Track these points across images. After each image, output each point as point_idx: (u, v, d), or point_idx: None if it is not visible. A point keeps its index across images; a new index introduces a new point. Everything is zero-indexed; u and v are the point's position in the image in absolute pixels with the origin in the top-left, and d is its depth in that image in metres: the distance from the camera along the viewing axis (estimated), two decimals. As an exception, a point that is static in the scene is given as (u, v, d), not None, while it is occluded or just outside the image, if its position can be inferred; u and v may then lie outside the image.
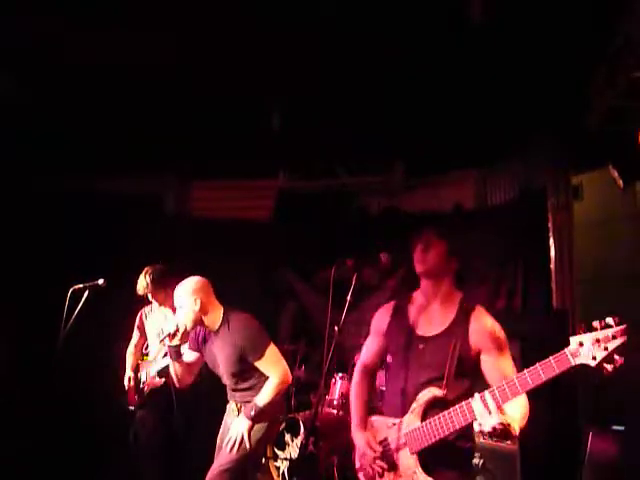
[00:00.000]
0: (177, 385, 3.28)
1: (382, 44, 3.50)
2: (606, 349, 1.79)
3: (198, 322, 3.14)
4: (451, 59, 3.65)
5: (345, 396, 4.56)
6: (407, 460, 2.20)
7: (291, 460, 4.43)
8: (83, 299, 3.44)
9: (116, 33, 3.27)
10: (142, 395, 4.02)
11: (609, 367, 1.80)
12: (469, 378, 2.24)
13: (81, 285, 3.49)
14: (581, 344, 1.84)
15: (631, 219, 4.04)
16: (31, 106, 4.09)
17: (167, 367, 3.48)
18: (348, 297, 2.40)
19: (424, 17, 3.24)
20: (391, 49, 3.55)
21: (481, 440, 3.81)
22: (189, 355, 3.27)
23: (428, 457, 2.17)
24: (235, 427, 3.11)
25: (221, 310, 3.19)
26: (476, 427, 2.06)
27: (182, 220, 6.01)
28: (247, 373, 3.13)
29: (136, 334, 4.23)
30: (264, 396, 3.07)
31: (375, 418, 2.43)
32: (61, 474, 4.39)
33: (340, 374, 4.74)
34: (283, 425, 4.53)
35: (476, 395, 2.04)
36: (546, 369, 1.94)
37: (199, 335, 3.24)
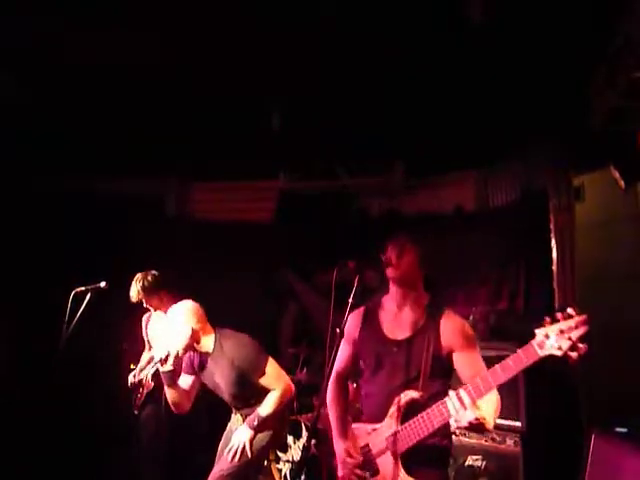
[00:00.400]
0: (174, 411, 3.19)
1: (382, 44, 3.49)
2: (570, 339, 1.89)
3: (190, 348, 3.09)
4: (451, 59, 3.64)
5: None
6: (389, 464, 2.22)
7: (293, 462, 4.42)
8: (85, 301, 3.44)
9: (116, 33, 3.26)
10: (142, 398, 4.03)
11: (574, 355, 1.90)
12: (443, 378, 2.31)
13: (83, 288, 3.49)
14: (547, 336, 1.94)
15: (632, 220, 4.03)
16: (31, 106, 4.08)
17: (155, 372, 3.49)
18: (350, 299, 2.39)
19: (424, 18, 3.24)
20: (391, 49, 3.54)
21: (483, 441, 3.81)
22: (185, 379, 3.20)
23: (408, 458, 2.20)
24: (237, 436, 3.10)
25: (213, 334, 3.14)
26: (452, 423, 2.12)
27: (183, 221, 6.01)
28: (249, 392, 3.12)
29: (145, 340, 4.27)
30: (267, 407, 3.07)
31: (355, 426, 2.46)
32: (61, 474, 4.38)
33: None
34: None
35: (451, 393, 2.09)
36: (516, 362, 2.01)
37: (194, 359, 3.18)
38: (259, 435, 3.11)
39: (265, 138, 4.63)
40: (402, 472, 2.18)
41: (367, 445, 2.33)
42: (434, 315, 2.35)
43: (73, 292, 3.45)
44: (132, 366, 4.28)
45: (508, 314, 4.80)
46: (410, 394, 2.23)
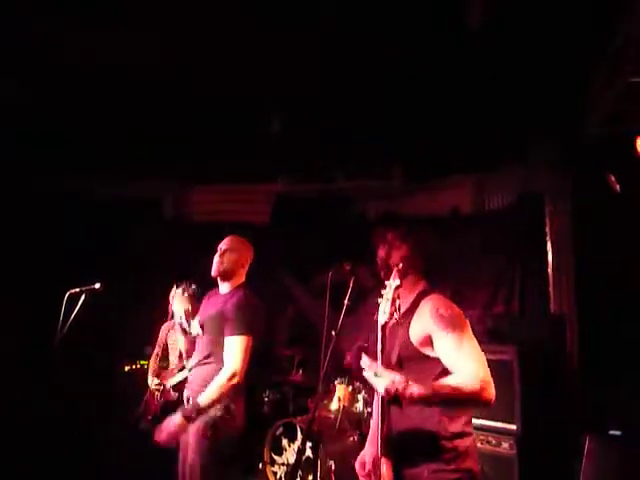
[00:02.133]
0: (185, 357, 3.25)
1: (381, 46, 3.50)
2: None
3: (233, 272, 3.14)
4: (449, 63, 3.65)
5: (343, 401, 4.54)
6: (383, 463, 2.15)
7: (288, 465, 4.41)
8: (80, 303, 3.44)
9: (116, 33, 3.27)
10: (158, 406, 4.05)
11: None
12: (422, 364, 2.14)
13: (77, 289, 3.49)
14: None
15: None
16: (31, 106, 4.08)
17: (181, 381, 3.46)
18: (346, 301, 2.39)
19: (423, 21, 3.25)
20: (390, 51, 3.55)
21: (478, 445, 3.81)
22: (195, 327, 3.25)
23: (398, 454, 2.12)
24: (171, 421, 2.91)
25: (241, 282, 3.19)
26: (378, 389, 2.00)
27: (180, 223, 6.01)
28: (214, 335, 3.04)
29: (158, 347, 4.30)
30: (208, 395, 2.89)
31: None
32: (61, 475, 4.38)
33: (338, 379, 4.72)
34: (280, 430, 4.52)
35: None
36: None
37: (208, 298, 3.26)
38: (207, 421, 2.92)
39: (263, 140, 4.63)
40: (383, 467, 2.09)
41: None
42: (418, 300, 2.26)
43: (67, 293, 3.45)
44: (126, 368, 4.29)
45: (504, 317, 4.80)
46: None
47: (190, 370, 3.23)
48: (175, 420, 2.87)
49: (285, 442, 4.50)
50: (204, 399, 2.88)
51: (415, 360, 2.15)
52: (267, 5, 3.03)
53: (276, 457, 4.50)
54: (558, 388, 3.93)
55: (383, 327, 2.12)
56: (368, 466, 2.25)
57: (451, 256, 4.93)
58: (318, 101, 4.19)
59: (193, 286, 4.18)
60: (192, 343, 3.43)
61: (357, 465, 2.34)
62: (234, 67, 3.71)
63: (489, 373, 2.05)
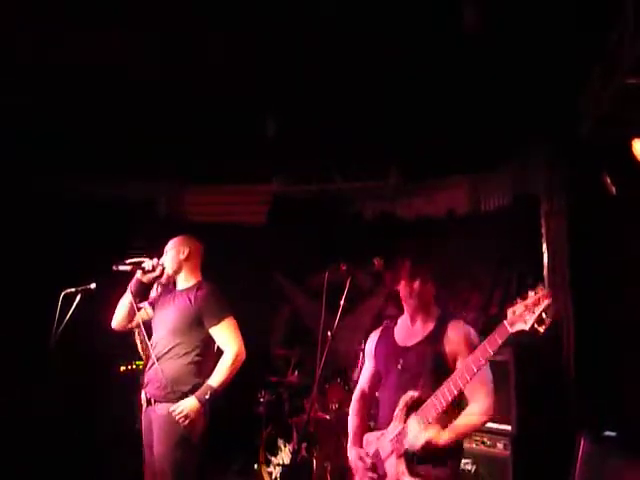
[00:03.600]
0: (112, 324, 3.31)
1: (379, 48, 3.51)
2: (534, 312, 1.98)
3: (178, 272, 3.22)
4: (446, 65, 3.66)
5: (339, 401, 4.55)
6: (394, 465, 2.27)
7: (283, 466, 4.41)
8: (75, 303, 3.43)
9: (116, 33, 3.26)
10: None
11: (541, 329, 1.97)
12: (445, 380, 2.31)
13: (73, 289, 3.48)
14: (514, 312, 2.05)
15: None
16: (31, 106, 4.07)
17: None
18: (342, 302, 2.40)
19: (421, 23, 3.25)
20: (388, 53, 3.56)
21: (473, 445, 3.82)
22: (145, 309, 3.32)
23: (412, 458, 2.24)
24: (183, 404, 2.92)
25: (198, 278, 3.25)
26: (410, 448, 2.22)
27: (175, 224, 5.99)
28: (193, 339, 3.05)
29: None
30: (219, 375, 2.97)
31: (367, 434, 2.54)
32: (61, 475, 4.37)
33: (334, 379, 4.73)
34: (276, 430, 4.52)
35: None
36: (491, 342, 2.14)
37: (162, 296, 3.29)
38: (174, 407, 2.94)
39: (260, 141, 4.63)
40: (405, 472, 2.23)
41: (377, 450, 2.40)
42: (443, 323, 2.45)
43: (63, 293, 3.45)
44: (122, 369, 4.26)
45: (499, 319, 4.81)
46: (410, 393, 2.30)
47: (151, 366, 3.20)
48: (190, 403, 2.91)
49: (280, 442, 4.51)
50: (216, 380, 2.96)
51: (447, 372, 2.30)
52: (267, 5, 3.03)
53: (271, 457, 4.50)
54: (553, 389, 3.94)
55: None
56: (369, 461, 2.38)
57: (447, 258, 4.94)
58: (315, 102, 4.20)
59: None
60: None
61: (355, 456, 2.43)
62: (231, 67, 3.71)
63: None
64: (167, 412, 2.94)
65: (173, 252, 3.26)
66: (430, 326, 2.47)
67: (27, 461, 4.26)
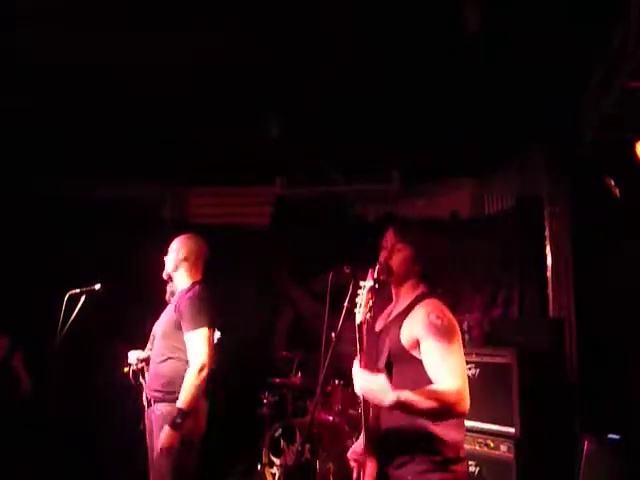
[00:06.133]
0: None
1: (381, 52, 3.52)
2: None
3: (175, 270, 3.23)
4: (448, 68, 3.67)
5: (342, 403, 4.55)
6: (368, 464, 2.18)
7: (287, 467, 4.42)
8: (80, 304, 3.45)
9: (117, 34, 3.28)
10: None
11: None
12: (413, 368, 2.12)
13: (78, 290, 3.50)
14: None
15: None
16: (31, 107, 4.08)
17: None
18: (346, 303, 2.40)
19: (422, 27, 3.26)
20: (389, 57, 3.57)
21: (476, 447, 3.82)
22: None
23: (381, 454, 2.14)
24: (161, 437, 2.90)
25: (195, 279, 3.23)
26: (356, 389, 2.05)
27: (179, 226, 6.00)
28: (176, 341, 3.05)
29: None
30: (184, 394, 2.90)
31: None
32: (61, 475, 4.38)
33: (337, 381, 4.73)
34: (279, 432, 4.52)
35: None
36: None
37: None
38: (173, 409, 2.91)
39: (263, 143, 4.64)
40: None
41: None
42: (414, 304, 2.21)
43: (68, 294, 3.46)
44: (125, 369, 4.25)
45: (503, 321, 4.81)
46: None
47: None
48: (163, 434, 2.88)
49: (284, 444, 4.51)
50: (183, 401, 2.90)
51: (406, 361, 2.14)
52: (267, 6, 3.04)
53: (275, 459, 4.51)
54: (557, 391, 3.94)
55: (359, 327, 2.12)
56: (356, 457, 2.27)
57: (450, 259, 4.94)
58: (318, 104, 4.21)
59: None
60: None
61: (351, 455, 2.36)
62: (233, 70, 3.72)
63: (467, 387, 2.04)
64: (166, 412, 2.96)
65: (173, 251, 3.28)
66: (402, 307, 2.24)
67: (27, 461, 4.27)
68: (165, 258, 3.32)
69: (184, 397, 2.90)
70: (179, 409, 2.88)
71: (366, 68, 3.69)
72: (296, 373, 5.09)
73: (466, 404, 2.02)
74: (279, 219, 6.09)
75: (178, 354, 3.06)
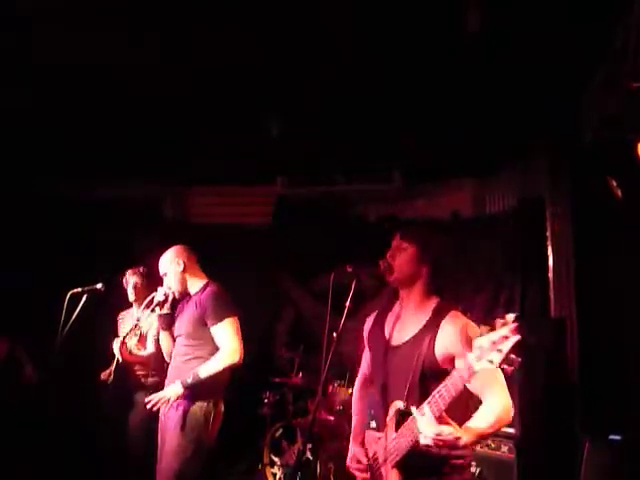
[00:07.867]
0: (167, 359, 3.30)
1: (381, 51, 3.51)
2: (500, 351, 1.70)
3: (185, 285, 3.22)
4: (449, 68, 3.66)
5: (343, 403, 4.55)
6: (389, 473, 2.15)
7: (288, 467, 4.42)
8: (81, 303, 3.45)
9: (116, 33, 3.27)
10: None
11: (508, 369, 1.73)
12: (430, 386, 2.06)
13: (79, 289, 3.50)
14: (481, 347, 1.75)
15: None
16: (31, 107, 4.08)
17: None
18: (347, 303, 2.39)
19: (422, 26, 3.26)
20: (390, 56, 3.57)
21: (477, 448, 3.81)
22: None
23: (409, 468, 2.09)
24: (166, 390, 3.01)
25: (204, 279, 3.27)
26: (422, 440, 1.91)
27: (180, 226, 6.01)
28: (198, 335, 3.09)
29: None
30: (208, 367, 2.98)
31: (367, 433, 2.42)
32: (61, 475, 4.38)
33: (339, 381, 4.73)
34: (280, 432, 4.52)
35: (412, 409, 1.99)
36: (455, 381, 1.88)
37: (180, 304, 3.31)
38: (192, 408, 3.00)
39: (264, 142, 4.64)
40: None
41: (375, 453, 2.28)
42: (437, 317, 2.16)
43: (69, 293, 3.46)
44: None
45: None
46: (397, 404, 2.13)
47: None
48: (174, 388, 2.96)
49: (285, 444, 4.51)
50: (204, 371, 2.97)
51: (441, 377, 2.01)
52: (266, 6, 3.04)
53: (275, 458, 4.51)
54: (558, 392, 3.94)
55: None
56: (365, 462, 2.28)
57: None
58: (319, 103, 4.21)
59: None
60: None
61: (352, 455, 2.37)
62: (234, 70, 3.72)
63: None
64: (187, 411, 2.99)
65: (170, 270, 3.26)
66: (423, 319, 2.19)
67: (27, 461, 4.27)
68: (164, 282, 3.28)
69: (207, 369, 2.97)
70: (197, 374, 2.95)
71: (366, 68, 3.69)
72: (297, 373, 5.09)
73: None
74: (280, 219, 6.08)
75: (202, 353, 3.09)
